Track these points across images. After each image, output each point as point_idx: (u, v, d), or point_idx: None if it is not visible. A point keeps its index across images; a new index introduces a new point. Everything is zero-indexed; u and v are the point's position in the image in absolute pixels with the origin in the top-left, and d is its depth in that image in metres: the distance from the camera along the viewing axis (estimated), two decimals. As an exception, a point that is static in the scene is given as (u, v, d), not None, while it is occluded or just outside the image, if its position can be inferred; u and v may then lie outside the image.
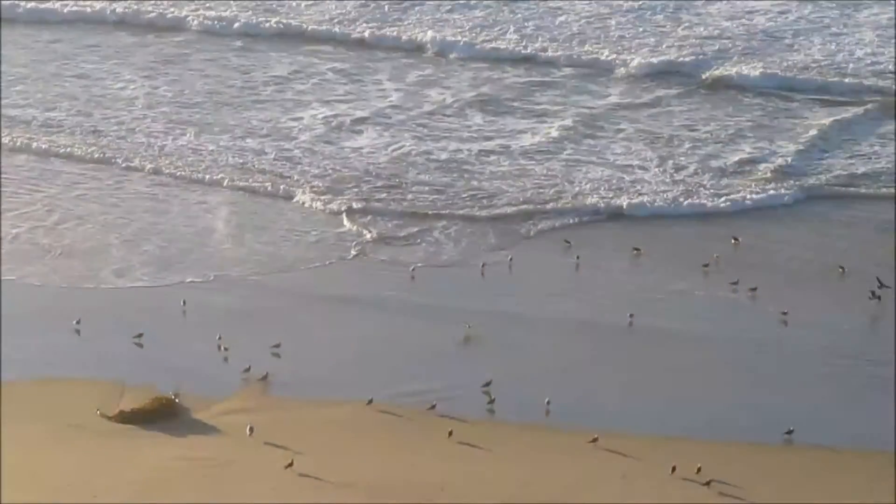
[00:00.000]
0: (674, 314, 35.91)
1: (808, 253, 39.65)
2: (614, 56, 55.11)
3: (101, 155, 45.87)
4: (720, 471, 28.23)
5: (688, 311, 36.28)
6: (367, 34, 58.07)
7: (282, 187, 43.65)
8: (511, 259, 38.88)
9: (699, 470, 28.11)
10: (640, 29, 58.78)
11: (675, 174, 44.81)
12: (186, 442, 29.70)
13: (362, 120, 49.68)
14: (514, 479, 28.13)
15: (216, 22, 59.55)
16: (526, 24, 59.45)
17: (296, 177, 44.62)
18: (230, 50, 57.47)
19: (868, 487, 27.95)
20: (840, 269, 38.12)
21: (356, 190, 43.50)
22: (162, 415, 30.53)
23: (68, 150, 46.36)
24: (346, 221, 41.31)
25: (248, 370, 32.30)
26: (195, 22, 59.70)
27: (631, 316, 34.99)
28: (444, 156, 46.22)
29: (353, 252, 39.49)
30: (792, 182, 44.08)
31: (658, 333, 34.81)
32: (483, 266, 38.36)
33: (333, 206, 42.19)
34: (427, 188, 43.66)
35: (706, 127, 48.97)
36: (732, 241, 40.15)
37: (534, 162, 46.00)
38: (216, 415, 30.74)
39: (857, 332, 35.16)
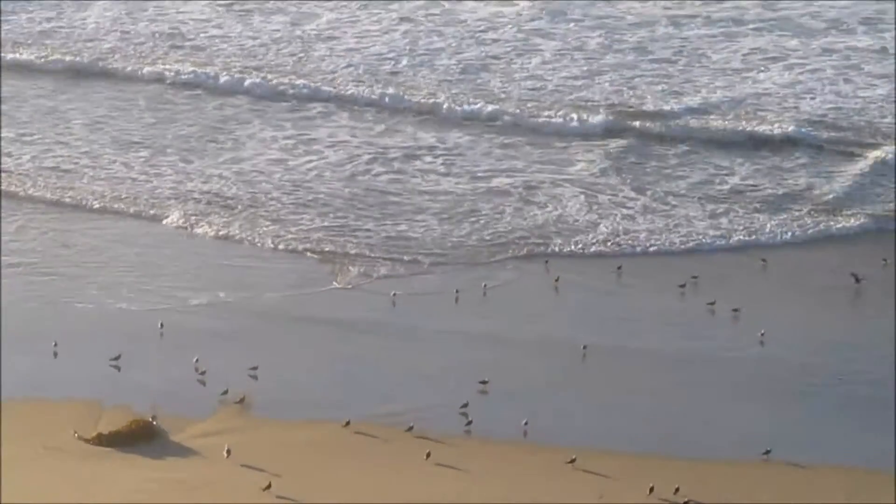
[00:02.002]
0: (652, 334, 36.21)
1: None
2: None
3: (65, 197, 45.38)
4: (698, 491, 28.31)
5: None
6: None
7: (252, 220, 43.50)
8: (485, 286, 38.85)
9: (677, 490, 28.14)
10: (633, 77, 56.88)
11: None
12: (164, 464, 29.59)
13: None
14: (492, 501, 28.10)
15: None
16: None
17: (265, 201, 44.67)
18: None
19: (846, 505, 28.22)
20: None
21: (327, 218, 43.59)
22: (139, 437, 30.43)
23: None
24: (317, 253, 41.31)
25: (225, 393, 32.22)
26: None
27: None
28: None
29: (330, 279, 39.56)
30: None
31: (636, 353, 34.96)
32: (457, 293, 38.44)
33: (304, 237, 42.15)
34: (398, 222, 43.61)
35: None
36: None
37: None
38: (194, 437, 30.64)
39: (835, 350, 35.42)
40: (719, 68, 57.60)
